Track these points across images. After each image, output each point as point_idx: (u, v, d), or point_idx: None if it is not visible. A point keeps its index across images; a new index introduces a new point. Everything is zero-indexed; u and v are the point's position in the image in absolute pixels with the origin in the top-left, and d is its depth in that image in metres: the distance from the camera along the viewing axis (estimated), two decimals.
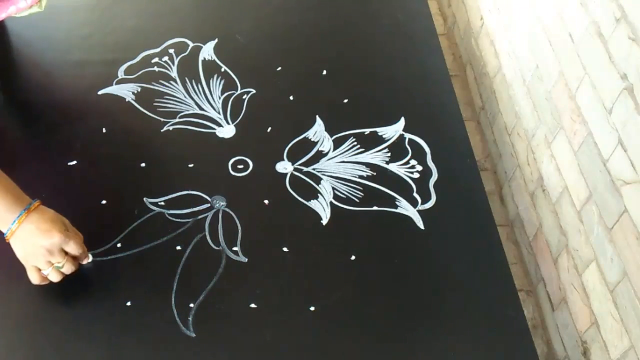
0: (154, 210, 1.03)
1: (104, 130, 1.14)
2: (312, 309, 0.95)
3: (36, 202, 0.89)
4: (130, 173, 1.08)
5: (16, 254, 0.89)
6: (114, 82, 1.21)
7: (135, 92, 1.20)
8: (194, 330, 0.91)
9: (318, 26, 1.37)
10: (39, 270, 0.90)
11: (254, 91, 1.22)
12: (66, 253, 0.90)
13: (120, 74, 1.22)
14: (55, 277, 0.91)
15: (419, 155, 1.15)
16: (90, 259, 0.95)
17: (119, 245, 0.98)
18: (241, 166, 1.11)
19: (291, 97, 1.22)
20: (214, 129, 1.16)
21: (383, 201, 1.08)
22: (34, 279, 0.90)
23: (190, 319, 0.92)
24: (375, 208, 1.07)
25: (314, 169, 1.11)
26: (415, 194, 1.09)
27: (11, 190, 0.88)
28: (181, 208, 1.04)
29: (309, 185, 1.09)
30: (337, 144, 1.15)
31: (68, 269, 0.91)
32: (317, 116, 1.19)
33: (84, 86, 1.20)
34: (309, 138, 1.16)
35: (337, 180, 1.10)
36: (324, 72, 1.27)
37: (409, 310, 0.96)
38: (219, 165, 1.10)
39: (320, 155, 1.13)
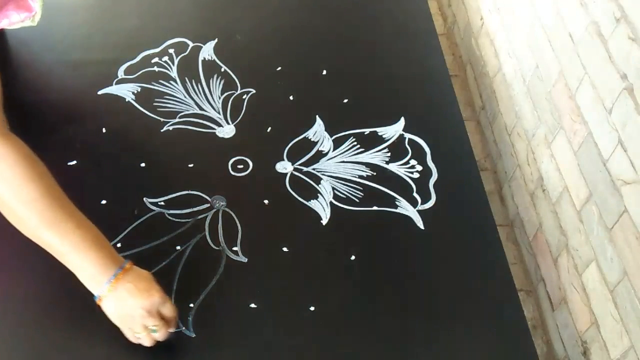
0: (154, 210, 1.03)
1: (104, 130, 1.14)
2: (312, 309, 0.95)
3: (129, 262, 0.85)
4: (130, 173, 1.08)
5: (110, 316, 0.84)
6: (114, 82, 1.21)
7: (135, 92, 1.20)
8: (194, 330, 0.91)
9: (318, 26, 1.37)
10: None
11: (254, 91, 1.22)
12: (160, 317, 0.85)
13: (120, 74, 1.22)
14: (148, 342, 0.85)
15: (419, 155, 1.15)
16: (174, 327, 0.88)
17: (119, 245, 0.98)
18: (241, 166, 1.11)
19: (291, 97, 1.22)
20: (214, 129, 1.16)
21: (383, 201, 1.08)
22: (132, 338, 0.86)
23: (190, 319, 0.92)
24: (375, 208, 1.07)
25: (313, 169, 1.11)
26: (415, 194, 1.09)
27: (106, 247, 0.83)
28: (181, 208, 1.04)
29: (309, 185, 1.09)
30: (337, 144, 1.15)
31: (162, 335, 0.85)
32: (317, 116, 1.19)
33: (84, 86, 1.20)
34: (309, 138, 1.16)
35: (337, 180, 1.10)
36: (324, 72, 1.27)
37: (409, 310, 0.96)
38: (219, 165, 1.10)
39: (320, 155, 1.13)
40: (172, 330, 0.88)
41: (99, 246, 0.82)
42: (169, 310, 0.85)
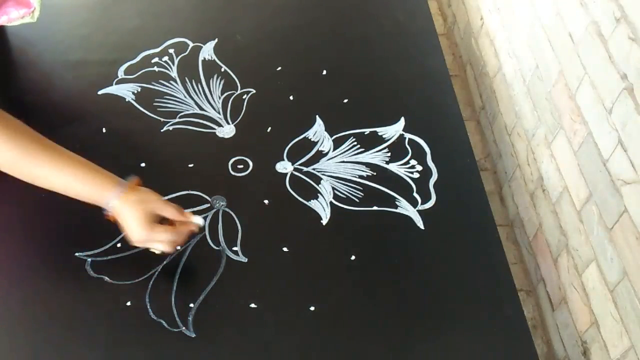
0: None
1: (104, 130, 1.14)
2: (312, 309, 0.95)
3: (124, 190, 0.90)
4: (130, 173, 1.08)
5: (127, 217, 0.89)
6: (114, 82, 1.21)
7: (135, 92, 1.20)
8: (194, 330, 0.91)
9: (318, 26, 1.37)
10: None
11: (254, 91, 1.22)
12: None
13: (120, 74, 1.22)
14: (173, 238, 0.91)
15: (419, 155, 1.15)
16: (201, 221, 0.95)
17: (119, 245, 0.98)
18: (241, 166, 1.11)
19: (291, 97, 1.22)
20: (214, 129, 1.16)
21: (383, 201, 1.08)
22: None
23: (190, 319, 0.92)
24: (375, 208, 1.07)
25: (314, 169, 1.11)
26: (415, 194, 1.09)
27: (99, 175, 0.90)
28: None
29: (309, 185, 1.09)
30: (337, 144, 1.15)
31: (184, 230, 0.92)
32: (317, 116, 1.19)
33: (84, 86, 1.20)
34: (309, 138, 1.16)
35: (337, 180, 1.10)
36: (324, 72, 1.27)
37: (409, 310, 0.96)
38: (219, 165, 1.10)
39: (320, 155, 1.13)
40: (199, 222, 0.94)
41: (92, 174, 0.90)
42: (170, 213, 0.91)
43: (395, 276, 1.00)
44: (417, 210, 1.07)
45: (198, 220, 0.94)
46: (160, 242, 0.90)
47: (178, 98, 1.20)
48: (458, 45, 1.83)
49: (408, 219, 1.06)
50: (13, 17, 0.99)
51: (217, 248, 1.00)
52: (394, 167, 1.13)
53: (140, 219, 0.88)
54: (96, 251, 0.97)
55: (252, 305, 0.95)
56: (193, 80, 1.23)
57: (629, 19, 0.98)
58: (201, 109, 1.18)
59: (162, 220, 0.91)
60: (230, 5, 1.39)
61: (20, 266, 0.90)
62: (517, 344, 0.95)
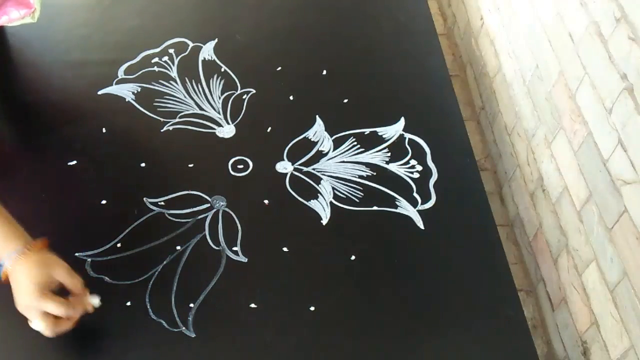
0: (154, 210, 1.03)
1: (104, 130, 1.14)
2: (312, 309, 0.95)
3: (24, 248, 0.82)
4: (130, 173, 1.08)
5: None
6: (114, 82, 1.21)
7: (135, 92, 1.20)
8: (194, 330, 0.91)
9: (318, 26, 1.37)
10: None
11: (254, 91, 1.22)
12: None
13: (120, 74, 1.22)
14: (46, 329, 0.82)
15: (419, 155, 1.15)
16: (95, 301, 0.86)
17: (119, 245, 0.98)
18: (241, 166, 1.11)
19: (291, 97, 1.22)
20: (214, 129, 1.16)
21: (383, 201, 1.08)
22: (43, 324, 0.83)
23: (190, 319, 0.92)
24: (375, 208, 1.07)
25: (314, 169, 1.11)
26: (415, 194, 1.09)
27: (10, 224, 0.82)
28: (181, 208, 1.04)
29: (309, 185, 1.09)
30: (337, 144, 1.15)
31: (63, 311, 0.82)
32: (317, 116, 1.19)
33: (84, 86, 1.20)
34: (309, 138, 1.16)
35: (337, 180, 1.10)
36: (324, 72, 1.27)
37: (409, 310, 0.96)
38: (219, 165, 1.10)
39: (320, 155, 1.13)
40: (90, 308, 0.85)
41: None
42: (54, 309, 0.81)
43: (395, 276, 1.00)
44: (417, 210, 1.07)
45: (95, 300, 0.86)
46: (44, 313, 0.81)
47: (178, 98, 1.20)
48: (458, 45, 1.83)
49: (408, 219, 1.06)
50: (13, 17, 0.99)
51: (217, 248, 1.00)
52: (394, 167, 1.13)
53: (32, 282, 0.80)
54: (96, 251, 0.97)
55: (252, 305, 0.95)
56: (193, 80, 1.23)
57: (629, 19, 0.98)
58: (201, 109, 1.18)
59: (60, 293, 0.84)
60: (230, 5, 1.39)
61: None
62: (517, 344, 0.95)
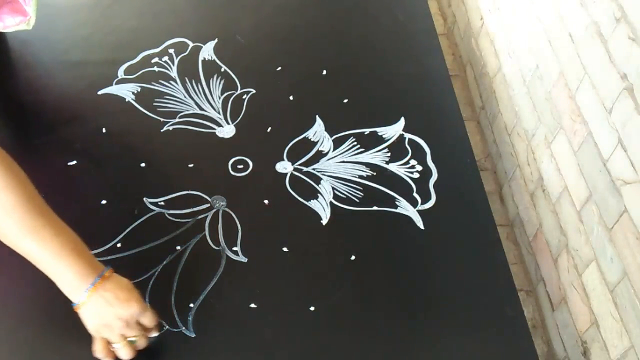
0: (154, 210, 1.03)
1: (104, 130, 1.14)
2: (312, 309, 0.95)
3: (109, 269, 0.83)
4: (130, 173, 1.08)
5: (86, 324, 0.82)
6: (114, 82, 1.21)
7: (135, 92, 1.20)
8: (194, 330, 0.91)
9: (318, 26, 1.37)
10: (108, 343, 0.84)
11: (254, 91, 1.22)
12: (140, 326, 0.85)
13: (120, 74, 1.22)
14: (126, 354, 0.84)
15: (419, 155, 1.15)
16: (157, 332, 0.88)
17: (119, 245, 0.98)
18: (241, 166, 1.11)
19: (291, 97, 1.22)
20: (214, 129, 1.16)
21: (383, 201, 1.08)
22: (101, 352, 0.84)
23: (190, 319, 0.92)
24: (375, 208, 1.07)
25: (313, 169, 1.11)
26: (415, 194, 1.09)
27: (85, 254, 0.81)
28: (181, 208, 1.04)
29: (308, 185, 1.09)
30: (337, 144, 1.15)
31: (142, 343, 0.85)
32: (317, 116, 1.19)
33: (84, 86, 1.20)
34: (309, 138, 1.16)
35: (337, 180, 1.10)
36: (324, 72, 1.27)
37: (409, 310, 0.96)
38: (219, 165, 1.10)
39: (320, 155, 1.13)
40: (154, 335, 0.88)
41: (78, 253, 0.80)
42: (149, 320, 0.84)
43: (395, 276, 1.00)
44: (417, 210, 1.07)
45: (155, 332, 0.88)
46: (121, 333, 0.82)
47: (178, 98, 1.20)
48: (458, 45, 1.83)
49: (408, 219, 1.06)
50: (8, 25, 0.99)
51: (217, 248, 1.00)
52: (393, 167, 1.13)
53: (135, 292, 0.83)
54: (96, 251, 0.97)
55: (252, 305, 0.95)
56: (193, 80, 1.23)
57: (629, 19, 0.98)
58: (201, 109, 1.18)
59: None
60: (230, 5, 1.39)
61: (20, 266, 0.89)
62: (517, 344, 0.95)
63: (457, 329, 0.95)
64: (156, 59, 1.26)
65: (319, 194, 1.08)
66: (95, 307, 0.80)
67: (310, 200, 1.07)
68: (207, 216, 1.03)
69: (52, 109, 1.17)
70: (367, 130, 1.18)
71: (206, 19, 1.36)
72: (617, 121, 1.01)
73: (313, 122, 1.18)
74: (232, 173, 1.10)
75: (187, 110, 1.18)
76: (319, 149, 1.14)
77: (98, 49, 1.27)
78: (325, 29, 1.37)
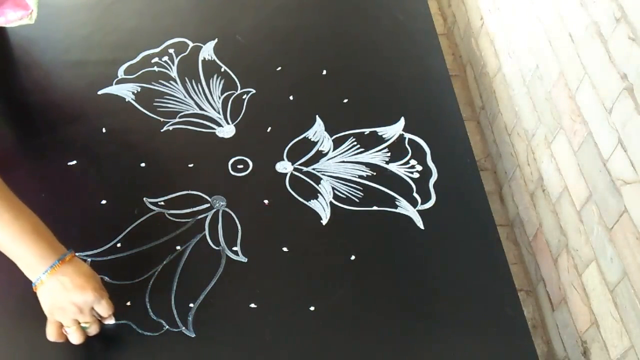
0: (154, 210, 1.03)
1: (104, 130, 1.14)
2: (312, 309, 0.95)
3: (71, 252, 0.84)
4: (130, 173, 1.08)
5: (42, 305, 0.84)
6: (114, 82, 1.21)
7: (135, 92, 1.20)
8: (194, 330, 0.91)
9: (318, 26, 1.37)
10: (61, 326, 0.85)
11: (254, 91, 1.22)
12: (95, 313, 0.86)
13: (120, 73, 1.22)
14: (77, 339, 0.85)
15: (419, 155, 1.15)
16: (113, 320, 0.89)
17: (119, 245, 0.98)
18: (241, 166, 1.11)
19: (291, 97, 1.22)
20: (214, 129, 1.16)
21: (383, 201, 1.08)
22: (52, 335, 0.85)
23: (190, 319, 0.92)
24: (375, 208, 1.07)
25: (313, 169, 1.11)
26: (415, 194, 1.09)
27: (45, 237, 0.83)
28: (181, 208, 1.04)
29: (308, 185, 1.09)
30: (337, 144, 1.15)
31: (94, 330, 0.87)
32: (317, 116, 1.19)
33: (84, 86, 1.20)
34: (309, 138, 1.16)
35: (337, 180, 1.10)
36: (324, 72, 1.27)
37: (409, 310, 0.96)
38: (219, 165, 1.10)
39: (320, 155, 1.13)
40: (110, 323, 0.89)
41: (38, 236, 0.82)
42: (103, 309, 0.85)
43: (395, 276, 1.00)
44: (417, 210, 1.07)
45: (111, 321, 0.89)
46: (74, 318, 0.84)
47: (178, 98, 1.20)
48: (458, 45, 1.83)
49: (408, 219, 1.06)
50: (10, 19, 0.99)
51: (217, 248, 1.00)
52: (393, 167, 1.13)
53: (93, 278, 0.84)
54: (96, 251, 0.97)
55: (252, 305, 0.95)
56: (193, 80, 1.23)
57: (629, 19, 0.98)
58: (201, 109, 1.18)
59: None
60: (230, 5, 1.39)
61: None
62: (517, 344, 0.95)
63: (457, 329, 0.95)
64: (156, 59, 1.26)
65: (319, 194, 1.08)
66: (51, 289, 0.82)
67: (310, 200, 1.07)
68: (207, 216, 1.03)
69: (52, 109, 1.17)
70: (367, 130, 1.18)
71: (206, 19, 1.36)
72: (617, 121, 1.01)
73: (313, 122, 1.18)
74: (232, 173, 1.10)
75: (187, 110, 1.18)
76: (319, 149, 1.14)
77: (98, 49, 1.27)
78: (325, 29, 1.37)
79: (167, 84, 1.22)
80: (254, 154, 1.12)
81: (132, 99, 1.19)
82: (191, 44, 1.29)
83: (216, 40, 1.30)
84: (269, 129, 1.17)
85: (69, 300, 0.82)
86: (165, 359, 0.89)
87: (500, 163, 1.53)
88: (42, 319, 0.91)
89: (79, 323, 0.85)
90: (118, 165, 1.09)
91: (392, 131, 1.18)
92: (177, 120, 1.16)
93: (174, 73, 1.24)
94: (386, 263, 1.01)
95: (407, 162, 1.14)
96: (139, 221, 1.02)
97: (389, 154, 1.14)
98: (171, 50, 1.28)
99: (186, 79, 1.23)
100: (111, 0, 1.37)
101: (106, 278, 0.95)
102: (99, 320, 0.88)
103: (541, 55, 1.29)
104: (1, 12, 0.98)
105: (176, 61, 1.26)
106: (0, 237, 0.81)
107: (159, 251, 0.98)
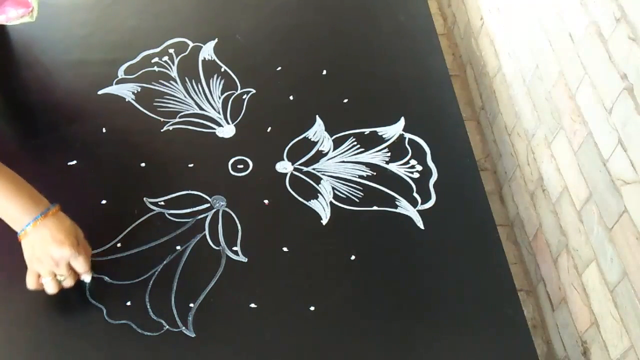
0: (154, 210, 1.03)
1: (104, 130, 1.14)
2: (312, 309, 0.95)
3: (55, 207, 0.88)
4: (130, 173, 1.08)
5: (24, 254, 0.88)
6: (114, 82, 1.21)
7: (135, 92, 1.20)
8: (194, 330, 0.91)
9: (318, 26, 1.37)
10: (39, 276, 0.89)
11: (254, 91, 1.22)
12: (72, 267, 0.89)
13: (120, 73, 1.22)
14: (51, 288, 0.89)
15: (419, 155, 1.15)
16: (90, 277, 0.93)
17: (119, 245, 0.98)
18: (241, 166, 1.11)
19: (291, 97, 1.22)
20: (214, 129, 1.16)
21: (383, 201, 1.08)
22: (31, 283, 0.89)
23: (190, 319, 0.92)
24: (375, 208, 1.07)
25: (313, 169, 1.11)
26: (415, 194, 1.09)
27: (29, 192, 0.87)
28: (181, 208, 1.04)
29: (309, 185, 1.09)
30: (337, 143, 1.15)
31: (68, 283, 0.90)
32: (317, 116, 1.19)
33: (84, 86, 1.20)
34: (309, 138, 1.16)
35: (337, 180, 1.10)
36: (324, 72, 1.27)
37: (409, 310, 0.96)
38: (219, 165, 1.10)
39: (320, 155, 1.13)
40: (86, 279, 0.92)
41: (19, 191, 0.86)
42: (80, 265, 0.89)
43: (395, 276, 1.00)
44: (417, 210, 1.07)
45: (87, 278, 0.92)
46: (50, 270, 0.87)
47: (178, 98, 1.20)
48: (458, 45, 1.83)
49: (408, 219, 1.06)
50: (11, 17, 0.99)
51: (217, 248, 1.00)
52: (394, 167, 1.13)
53: (71, 234, 0.87)
54: (96, 251, 0.97)
55: (252, 305, 0.95)
56: (193, 80, 1.23)
57: (629, 19, 0.98)
58: (201, 108, 1.18)
59: None
60: (230, 5, 1.39)
61: (21, 266, 0.90)
62: (517, 344, 0.95)
63: (457, 328, 0.95)
64: (156, 59, 1.26)
65: (319, 194, 1.08)
66: (32, 241, 0.86)
67: (310, 200, 1.07)
68: (207, 216, 1.03)
69: (52, 109, 1.17)
70: (367, 130, 1.18)
71: (206, 19, 1.36)
72: (617, 121, 1.01)
73: (313, 122, 1.18)
74: (232, 173, 1.10)
75: (187, 110, 1.18)
76: (319, 149, 1.14)
77: (98, 49, 1.27)
78: (325, 29, 1.37)
79: (167, 83, 1.22)
80: (254, 154, 1.12)
81: (132, 99, 1.19)
82: (191, 44, 1.29)
83: (216, 40, 1.30)
84: (269, 129, 1.17)
85: (47, 253, 0.86)
86: (165, 359, 0.89)
87: (500, 163, 1.53)
88: (42, 319, 0.91)
89: (55, 275, 0.88)
90: (118, 165, 1.09)
91: (392, 131, 1.18)
92: (177, 120, 1.16)
93: (174, 73, 1.24)
94: (386, 263, 1.01)
95: (407, 162, 1.14)
96: (139, 221, 1.02)
97: (389, 154, 1.14)
98: (171, 50, 1.28)
99: (186, 78, 1.23)
100: (111, 0, 1.37)
101: (106, 278, 0.95)
102: (77, 274, 0.91)
103: (541, 55, 1.29)
104: (2, 10, 0.98)
105: (176, 61, 1.26)
106: None
107: (159, 251, 0.98)
